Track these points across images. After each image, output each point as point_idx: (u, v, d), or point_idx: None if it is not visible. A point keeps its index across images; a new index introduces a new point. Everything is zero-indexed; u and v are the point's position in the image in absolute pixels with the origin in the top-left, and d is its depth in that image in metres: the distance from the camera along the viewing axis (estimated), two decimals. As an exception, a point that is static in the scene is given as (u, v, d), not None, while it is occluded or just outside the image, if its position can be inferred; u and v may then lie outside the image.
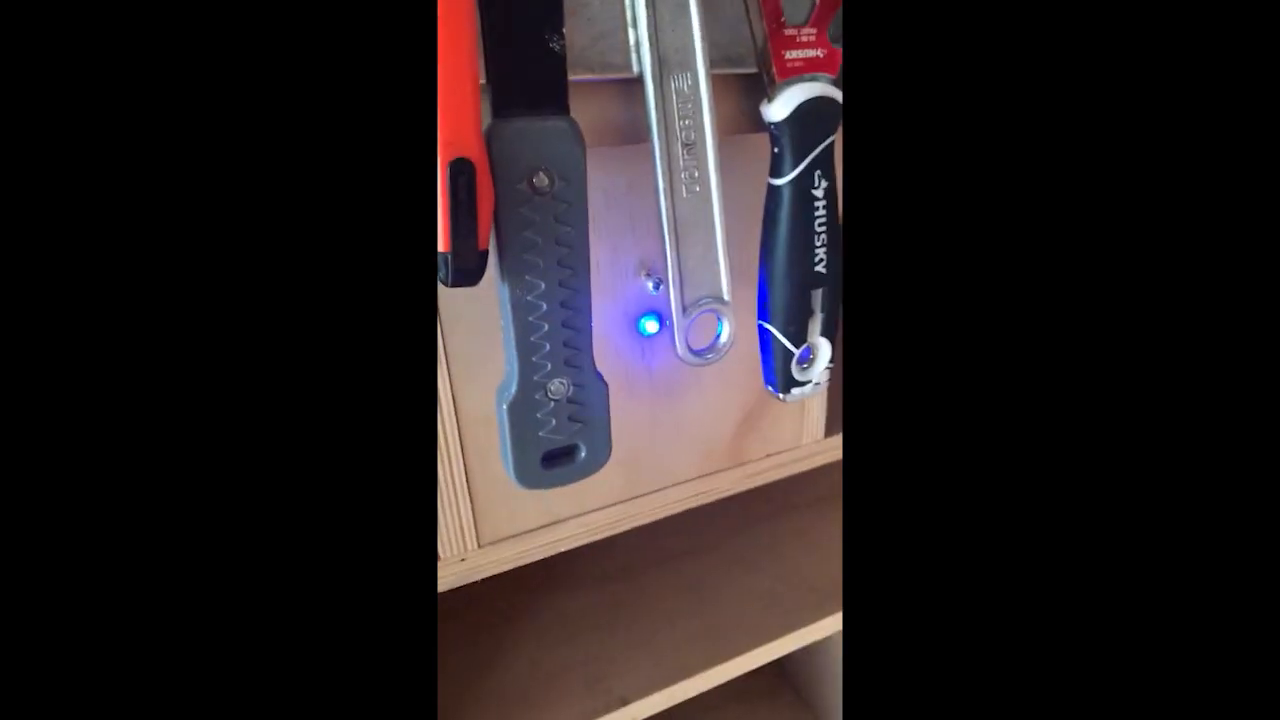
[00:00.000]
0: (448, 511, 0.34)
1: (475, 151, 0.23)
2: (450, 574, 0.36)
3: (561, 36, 0.25)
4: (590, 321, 0.28)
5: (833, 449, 0.45)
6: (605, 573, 0.50)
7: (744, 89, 0.31)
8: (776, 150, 0.31)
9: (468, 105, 0.22)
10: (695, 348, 0.32)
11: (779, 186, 0.31)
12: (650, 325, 0.35)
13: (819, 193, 0.31)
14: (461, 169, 0.22)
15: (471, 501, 0.35)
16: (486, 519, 0.36)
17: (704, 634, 0.45)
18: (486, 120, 0.24)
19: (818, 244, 0.32)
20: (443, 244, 0.23)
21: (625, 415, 0.35)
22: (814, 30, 0.30)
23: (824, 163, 0.31)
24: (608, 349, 0.34)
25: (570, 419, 0.29)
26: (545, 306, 0.27)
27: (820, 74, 0.30)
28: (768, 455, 0.43)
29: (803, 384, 0.35)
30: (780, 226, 0.31)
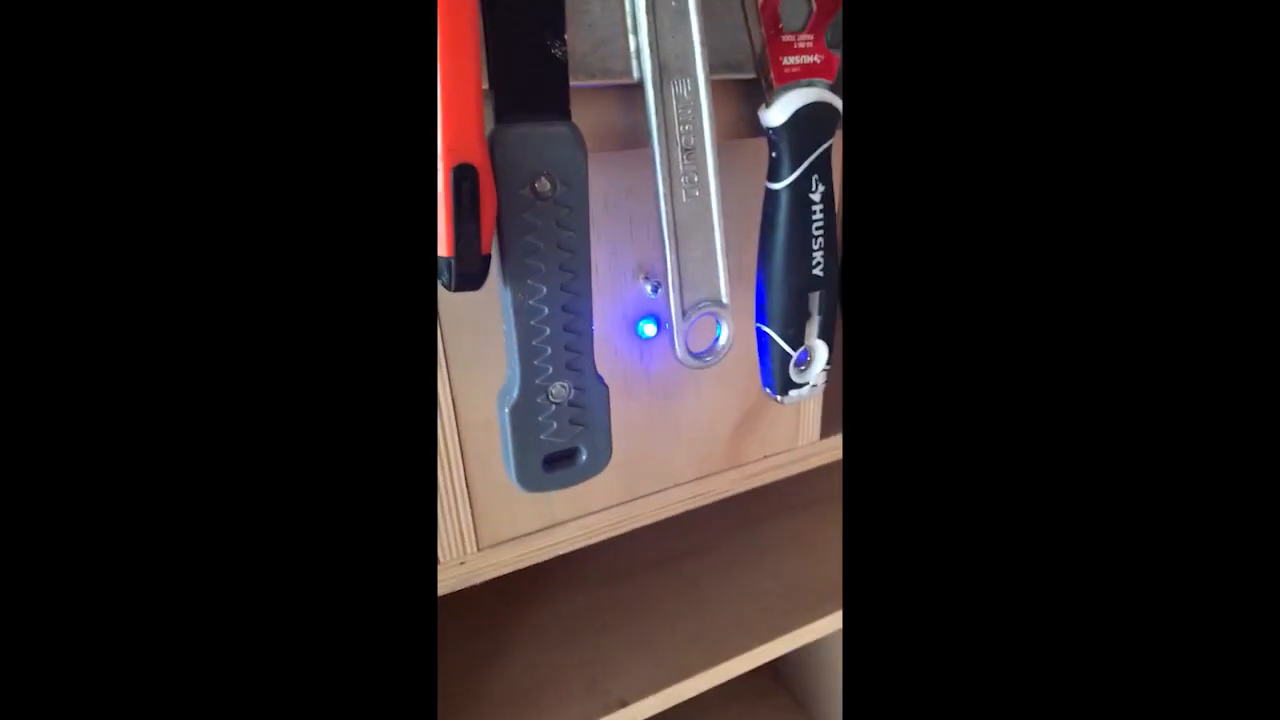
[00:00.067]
0: (447, 515, 0.34)
1: (478, 157, 0.23)
2: (450, 577, 0.36)
3: (563, 43, 0.25)
4: (591, 325, 0.28)
5: (829, 450, 0.45)
6: (604, 575, 0.50)
7: (743, 94, 0.31)
8: (774, 155, 0.31)
9: (470, 111, 0.23)
10: (694, 350, 0.32)
11: (777, 191, 0.31)
12: (649, 328, 0.35)
13: (816, 197, 0.31)
14: (464, 174, 0.23)
15: (471, 505, 0.35)
16: (486, 522, 0.36)
17: (702, 635, 0.45)
18: (489, 126, 0.25)
19: (815, 247, 0.32)
20: (446, 249, 0.23)
21: (624, 418, 0.35)
22: (811, 36, 0.30)
23: (821, 167, 0.31)
24: (607, 352, 0.34)
25: (571, 422, 0.29)
26: (547, 310, 0.27)
27: (817, 79, 0.30)
28: (765, 457, 0.43)
29: (800, 386, 0.35)
30: (778, 230, 0.31)
